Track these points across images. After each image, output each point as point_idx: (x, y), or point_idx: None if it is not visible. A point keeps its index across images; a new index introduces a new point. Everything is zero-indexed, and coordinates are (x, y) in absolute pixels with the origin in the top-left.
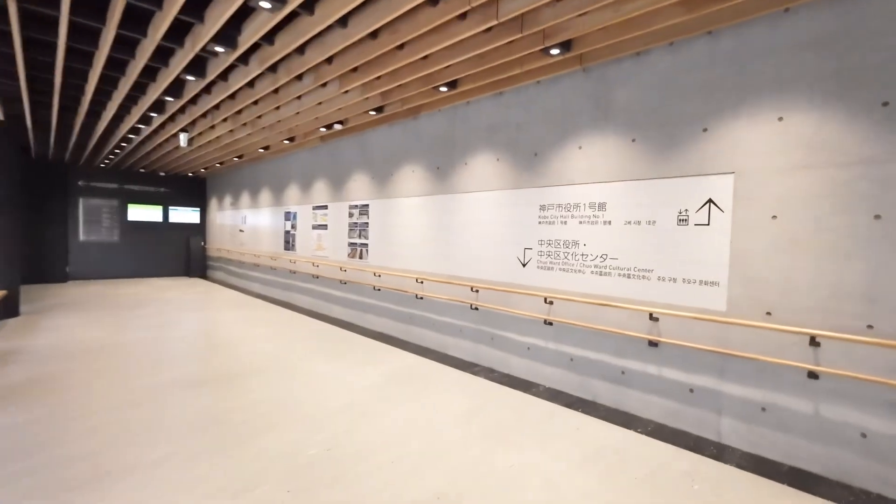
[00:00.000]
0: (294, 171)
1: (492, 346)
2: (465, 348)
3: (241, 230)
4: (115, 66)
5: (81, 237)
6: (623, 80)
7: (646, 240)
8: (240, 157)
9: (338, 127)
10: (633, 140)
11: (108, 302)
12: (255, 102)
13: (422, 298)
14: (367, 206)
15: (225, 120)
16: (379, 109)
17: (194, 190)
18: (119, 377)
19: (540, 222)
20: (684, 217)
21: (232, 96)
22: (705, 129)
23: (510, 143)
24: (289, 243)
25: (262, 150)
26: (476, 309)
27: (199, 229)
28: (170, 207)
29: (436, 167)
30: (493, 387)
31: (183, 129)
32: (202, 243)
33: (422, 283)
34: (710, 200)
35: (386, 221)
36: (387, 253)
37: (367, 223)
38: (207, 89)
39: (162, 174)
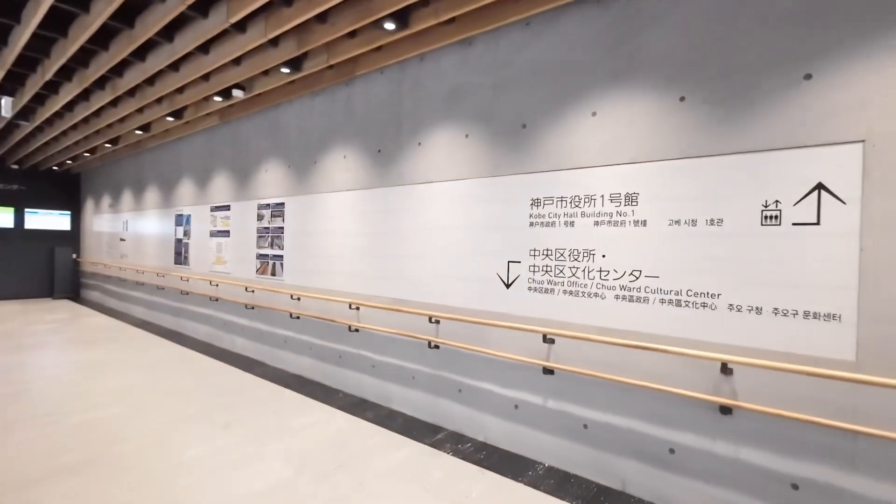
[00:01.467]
0: (186, 161)
1: (459, 402)
2: (420, 403)
3: (121, 239)
4: None
5: None
6: (662, 8)
7: (706, 248)
8: (114, 142)
9: (238, 95)
10: (682, 99)
11: None
12: (107, 49)
13: (357, 331)
14: (282, 204)
15: (70, 80)
16: (295, 65)
17: (63, 189)
18: None
19: (532, 224)
20: (773, 213)
21: (81, 49)
22: (808, 76)
23: (484, 112)
24: (181, 255)
25: (140, 133)
26: (436, 347)
27: (71, 238)
28: (26, 210)
29: (376, 150)
30: (466, 469)
31: (2, 92)
32: (73, 255)
33: (357, 309)
34: (819, 186)
35: (307, 226)
36: (309, 268)
37: (281, 228)
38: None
39: (14, 166)
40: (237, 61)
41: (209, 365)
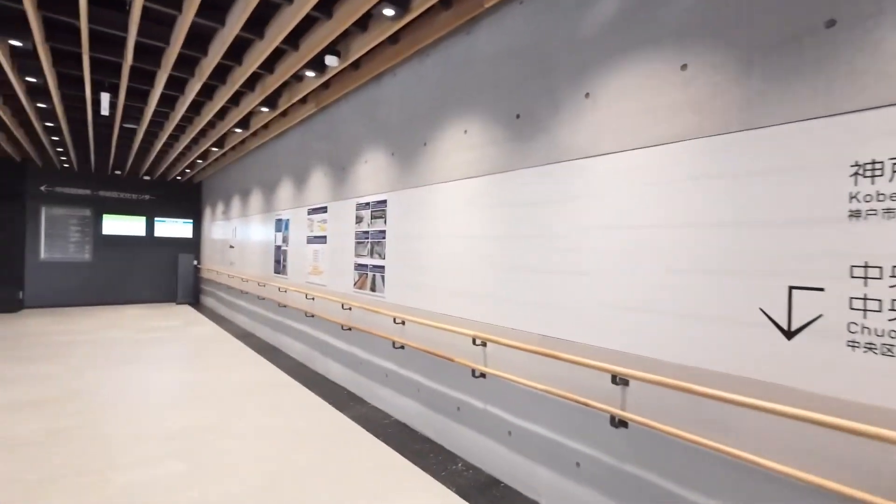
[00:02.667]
0: (284, 159)
1: None
2: None
3: (230, 246)
4: None
5: (42, 255)
6: None
7: None
8: (219, 144)
9: (332, 63)
10: None
11: (22, 344)
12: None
13: (483, 377)
14: (384, 202)
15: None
16: (401, 2)
17: (187, 198)
18: None
19: (860, 214)
20: None
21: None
22: None
23: (722, 18)
24: (279, 264)
25: (239, 131)
26: (622, 425)
27: (193, 245)
28: (156, 219)
29: (513, 115)
30: None
31: (103, 87)
32: (195, 262)
33: (484, 346)
34: None
35: (414, 228)
36: (416, 284)
37: (382, 232)
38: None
39: (146, 178)
40: (328, 10)
41: (299, 397)
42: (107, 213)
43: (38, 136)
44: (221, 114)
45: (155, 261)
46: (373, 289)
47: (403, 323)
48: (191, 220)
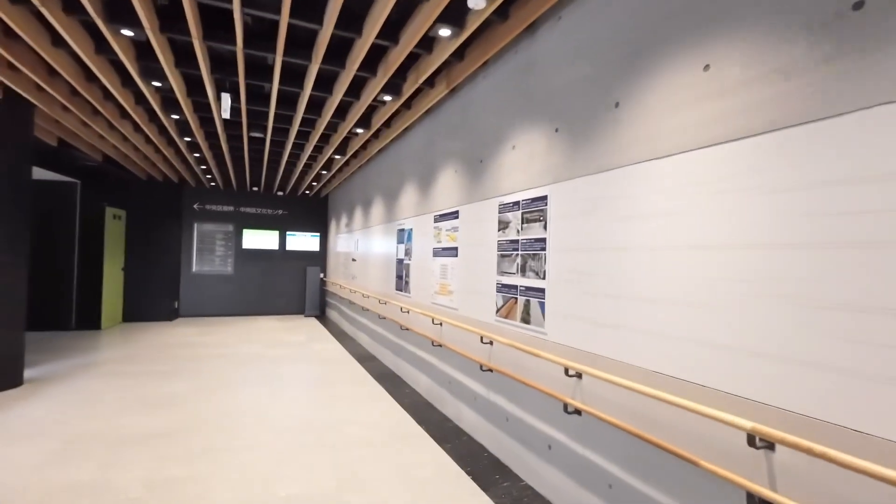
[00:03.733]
0: (407, 160)
1: None
2: None
3: (352, 259)
4: None
5: (194, 268)
6: None
7: None
8: (341, 150)
9: (476, 6)
10: None
11: (168, 355)
12: None
13: None
14: (542, 199)
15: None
16: None
17: (315, 211)
18: None
19: None
20: None
21: None
22: None
23: None
24: (402, 280)
25: (360, 131)
26: None
27: (319, 258)
28: (287, 233)
29: (835, 12)
30: None
31: (223, 88)
32: (321, 275)
33: (769, 448)
34: None
35: (598, 234)
36: (601, 318)
37: (540, 241)
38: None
39: (279, 193)
40: None
41: (429, 457)
42: (246, 228)
43: (185, 155)
44: (342, 112)
45: (286, 273)
46: (525, 320)
47: (579, 376)
48: (317, 234)
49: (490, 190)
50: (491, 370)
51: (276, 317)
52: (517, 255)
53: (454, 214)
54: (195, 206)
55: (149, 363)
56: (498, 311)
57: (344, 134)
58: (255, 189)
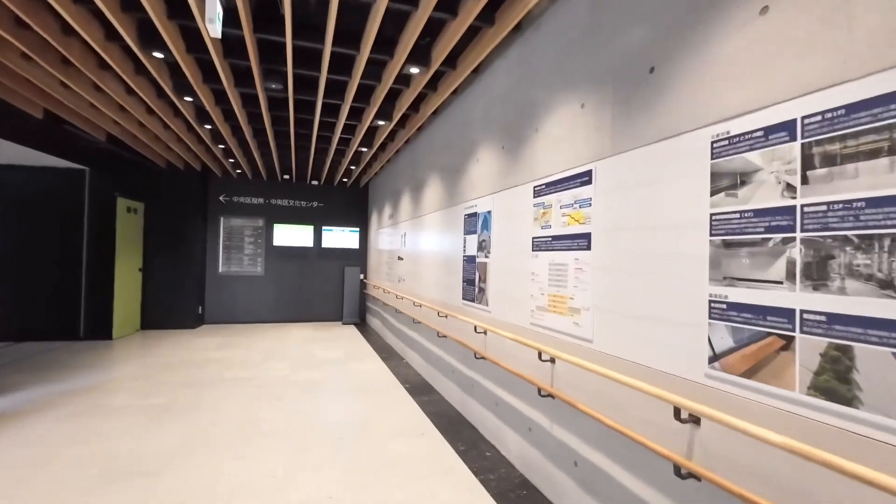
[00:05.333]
0: (485, 110)
1: None
2: None
3: (398, 258)
4: None
5: (220, 268)
6: None
7: None
8: (385, 114)
9: None
10: None
11: (175, 379)
12: None
13: None
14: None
15: None
16: None
17: (354, 203)
18: None
19: None
20: None
21: None
22: None
23: None
24: (473, 286)
25: (414, 72)
26: None
27: (359, 257)
28: (323, 228)
29: None
30: None
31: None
32: (361, 276)
33: None
34: None
35: None
36: None
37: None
38: None
39: (314, 183)
40: None
41: None
42: (278, 223)
43: (203, 137)
44: (386, 45)
45: (322, 274)
46: (827, 391)
47: None
48: (357, 229)
49: (691, 115)
50: (697, 477)
51: (310, 324)
52: (789, 241)
53: (581, 178)
54: (221, 198)
55: (146, 392)
56: (719, 357)
57: (389, 79)
58: (287, 177)
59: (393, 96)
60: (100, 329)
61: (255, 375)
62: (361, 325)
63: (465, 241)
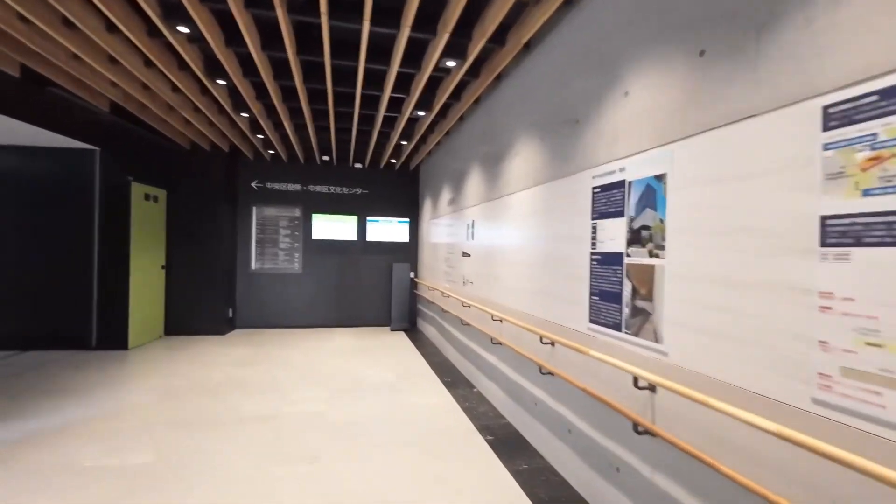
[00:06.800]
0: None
1: None
2: None
3: (463, 254)
4: None
5: (253, 265)
6: None
7: None
8: (457, 54)
9: None
10: None
11: (176, 417)
12: None
13: None
14: None
15: None
16: None
17: (403, 189)
18: None
19: None
20: None
21: None
22: None
23: None
24: (616, 303)
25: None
26: None
27: (409, 252)
28: (368, 219)
29: None
30: None
31: None
32: (411, 275)
33: None
34: None
35: None
36: None
37: None
38: None
39: (357, 165)
40: None
41: None
42: (317, 213)
43: (228, 112)
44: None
45: (367, 272)
46: None
47: None
48: (406, 220)
49: None
50: None
51: (353, 330)
52: None
53: None
54: (253, 184)
55: (129, 440)
56: None
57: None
58: (326, 158)
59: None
60: (114, 337)
61: (281, 411)
62: (412, 331)
63: (594, 228)
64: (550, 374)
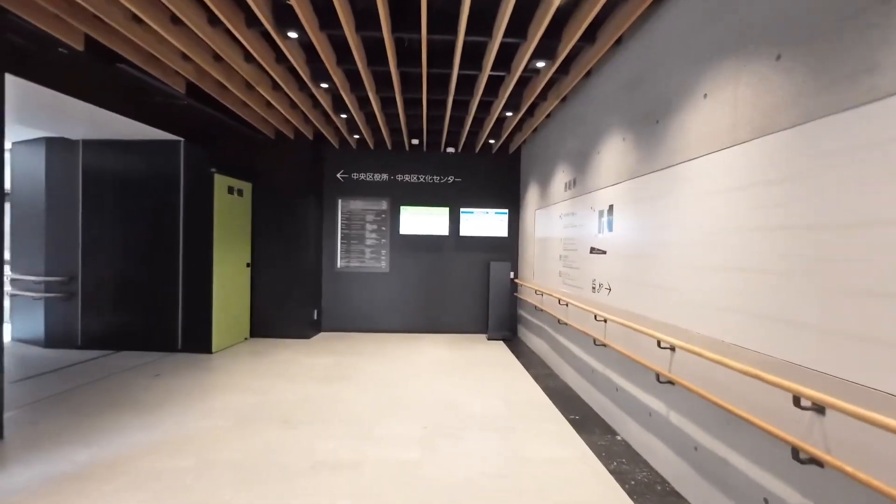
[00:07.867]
0: None
1: None
2: None
3: (593, 250)
4: None
5: (339, 264)
6: None
7: None
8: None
9: None
10: None
11: (228, 457)
12: None
13: None
14: None
15: None
16: None
17: (501, 177)
18: None
19: None
20: None
21: None
22: None
23: None
24: None
25: None
26: None
27: (509, 248)
28: (461, 210)
29: None
30: None
31: None
32: (511, 275)
33: None
34: None
35: None
36: None
37: None
38: None
39: (450, 150)
40: None
41: None
42: (405, 206)
43: (307, 84)
44: None
45: (460, 271)
46: None
47: None
48: (505, 211)
49: None
50: None
51: (445, 337)
52: None
53: None
54: (339, 175)
55: (175, 484)
56: None
57: None
58: (416, 142)
59: None
60: (198, 340)
61: (364, 455)
62: (512, 341)
63: None
64: (815, 462)
